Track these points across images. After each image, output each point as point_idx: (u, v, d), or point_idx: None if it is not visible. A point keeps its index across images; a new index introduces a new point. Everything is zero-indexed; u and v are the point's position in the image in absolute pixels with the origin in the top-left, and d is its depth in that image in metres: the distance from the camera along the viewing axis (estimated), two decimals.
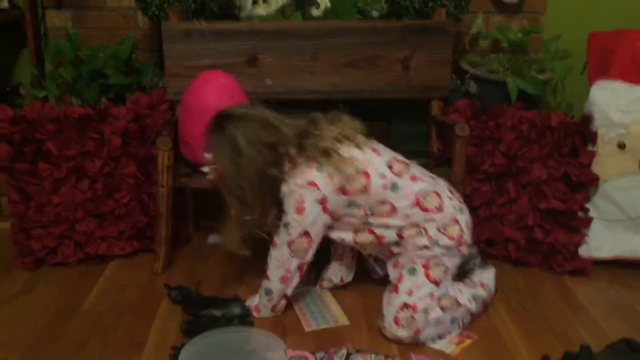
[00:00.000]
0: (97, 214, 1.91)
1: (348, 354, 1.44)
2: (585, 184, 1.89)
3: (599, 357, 1.45)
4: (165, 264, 1.90)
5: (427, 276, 1.53)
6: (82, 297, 1.75)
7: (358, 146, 1.56)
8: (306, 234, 1.54)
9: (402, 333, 1.51)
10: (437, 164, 2.04)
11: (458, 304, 1.56)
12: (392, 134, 2.13)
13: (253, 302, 1.65)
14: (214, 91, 1.79)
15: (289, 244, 1.55)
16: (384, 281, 1.70)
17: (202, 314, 1.62)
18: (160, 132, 1.84)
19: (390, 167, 1.57)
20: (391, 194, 1.53)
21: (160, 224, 1.86)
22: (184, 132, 1.84)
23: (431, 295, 1.52)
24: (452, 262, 1.57)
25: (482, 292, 1.65)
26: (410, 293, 1.52)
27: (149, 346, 1.53)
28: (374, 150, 1.59)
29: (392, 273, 1.59)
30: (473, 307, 1.60)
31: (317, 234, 1.56)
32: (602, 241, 1.92)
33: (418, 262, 1.54)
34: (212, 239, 2.12)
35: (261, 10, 2.14)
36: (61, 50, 2.10)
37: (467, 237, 1.58)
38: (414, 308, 1.50)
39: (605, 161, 1.89)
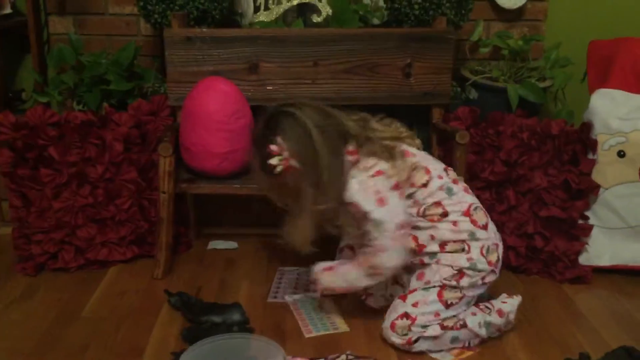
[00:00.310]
0: (98, 220, 1.92)
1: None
2: (585, 191, 1.89)
3: None
4: (166, 269, 1.90)
5: (439, 296, 1.50)
6: (83, 303, 1.75)
7: (415, 147, 1.59)
8: (403, 225, 1.48)
9: (395, 339, 1.50)
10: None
11: (465, 326, 1.51)
12: None
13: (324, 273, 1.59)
14: (215, 98, 1.80)
15: (394, 240, 1.47)
16: None
17: (202, 320, 1.62)
18: (161, 138, 1.84)
19: (446, 172, 1.57)
20: (446, 197, 1.53)
21: (160, 230, 1.86)
22: (185, 138, 1.85)
23: (436, 314, 1.49)
24: (473, 292, 1.54)
25: (497, 320, 1.56)
26: (415, 305, 1.50)
27: (148, 352, 1.53)
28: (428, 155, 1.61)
29: (412, 283, 1.57)
30: (483, 332, 1.54)
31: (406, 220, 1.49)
32: (602, 249, 1.92)
33: (439, 282, 1.51)
34: (213, 244, 2.12)
35: (263, 17, 2.15)
36: (63, 56, 2.11)
37: (499, 269, 1.57)
38: (413, 320, 1.49)
39: (605, 169, 1.89)
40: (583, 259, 1.93)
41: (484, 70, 2.23)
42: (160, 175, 1.81)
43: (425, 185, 1.53)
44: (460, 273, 1.51)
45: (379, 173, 1.48)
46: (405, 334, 1.49)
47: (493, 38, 2.25)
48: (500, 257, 1.57)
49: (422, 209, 1.52)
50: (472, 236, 1.52)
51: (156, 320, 1.66)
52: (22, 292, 1.81)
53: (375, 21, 2.11)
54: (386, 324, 1.53)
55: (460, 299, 1.51)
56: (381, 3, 2.11)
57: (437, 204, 1.52)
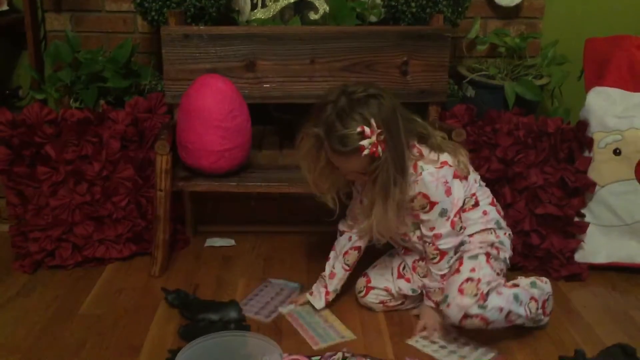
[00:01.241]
0: (95, 217, 1.92)
1: (344, 358, 1.45)
2: (581, 189, 1.90)
3: None
4: (163, 267, 1.90)
5: (488, 262, 1.55)
6: (80, 300, 1.75)
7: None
8: (459, 211, 1.57)
9: (467, 300, 1.46)
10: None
11: (517, 285, 1.57)
12: None
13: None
14: (211, 95, 1.80)
15: (452, 225, 1.55)
16: None
17: (199, 318, 1.62)
18: (158, 135, 1.84)
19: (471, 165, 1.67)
20: (478, 187, 1.64)
21: (158, 228, 1.87)
22: (182, 136, 1.85)
23: (491, 276, 1.52)
24: (504, 267, 1.63)
25: (540, 284, 1.62)
26: (472, 270, 1.52)
27: (145, 349, 1.53)
28: None
29: (454, 265, 1.59)
30: (535, 292, 1.57)
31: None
32: (598, 247, 1.93)
33: (482, 250, 1.57)
34: (210, 242, 2.13)
35: (260, 14, 2.15)
36: (60, 53, 2.11)
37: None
38: (478, 280, 1.49)
39: (601, 167, 1.90)
40: (579, 257, 1.94)
41: (480, 67, 2.24)
42: (157, 173, 1.81)
43: (466, 178, 1.60)
44: (494, 247, 1.60)
45: (444, 164, 1.54)
46: (476, 293, 1.47)
47: (490, 36, 2.26)
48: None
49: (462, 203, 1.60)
50: (498, 224, 1.64)
51: (153, 318, 1.67)
52: (19, 289, 1.81)
53: (373, 19, 2.11)
54: (451, 295, 1.49)
55: (502, 270, 1.59)
56: (378, 1, 2.11)
57: (473, 194, 1.62)
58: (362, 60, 1.97)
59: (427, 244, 1.57)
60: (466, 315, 1.46)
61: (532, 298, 1.56)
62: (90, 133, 1.89)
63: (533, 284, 1.59)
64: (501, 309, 1.48)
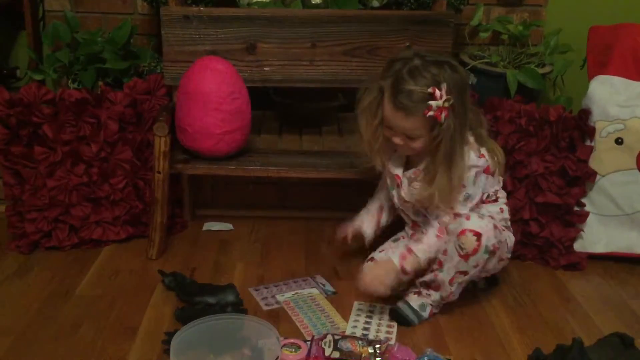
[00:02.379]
0: (92, 199, 1.91)
1: (335, 340, 1.45)
2: (582, 178, 1.89)
3: (591, 351, 1.45)
4: (160, 250, 1.89)
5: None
6: (76, 282, 1.74)
7: None
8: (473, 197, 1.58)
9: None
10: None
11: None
12: None
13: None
14: (211, 78, 1.78)
15: (471, 211, 1.56)
16: None
17: (196, 301, 1.62)
18: (157, 117, 1.83)
19: None
20: (500, 186, 1.67)
21: (155, 210, 1.85)
22: (181, 118, 1.84)
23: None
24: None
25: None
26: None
27: (141, 331, 1.53)
28: None
29: None
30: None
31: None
32: (597, 236, 1.92)
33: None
34: (208, 226, 2.12)
35: None
36: (59, 34, 2.08)
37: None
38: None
39: (602, 156, 1.89)
40: (578, 246, 1.93)
41: (483, 55, 2.21)
42: (155, 155, 1.80)
43: (493, 174, 1.62)
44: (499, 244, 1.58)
45: (482, 156, 1.56)
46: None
47: (493, 23, 2.23)
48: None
49: (484, 195, 1.62)
50: (506, 223, 1.67)
51: (150, 300, 1.66)
52: (16, 270, 1.80)
53: (375, 3, 2.08)
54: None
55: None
56: None
57: (495, 191, 1.66)
58: (364, 45, 1.95)
59: (444, 218, 1.55)
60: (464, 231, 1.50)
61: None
62: (88, 114, 1.87)
63: None
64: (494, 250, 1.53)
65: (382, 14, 1.99)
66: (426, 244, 1.55)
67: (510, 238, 1.66)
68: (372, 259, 1.71)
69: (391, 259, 1.56)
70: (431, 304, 1.61)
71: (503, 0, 2.29)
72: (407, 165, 1.64)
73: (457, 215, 1.54)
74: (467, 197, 1.55)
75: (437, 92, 1.41)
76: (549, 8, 2.30)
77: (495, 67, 2.13)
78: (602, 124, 1.88)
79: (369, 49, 1.96)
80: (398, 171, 1.63)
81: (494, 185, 1.65)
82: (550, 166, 1.88)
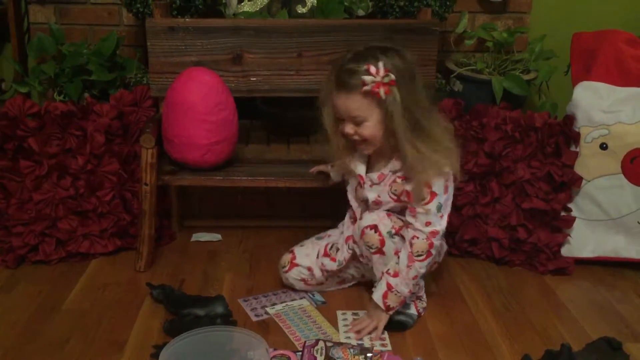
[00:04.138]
0: (79, 212, 1.90)
1: (327, 348, 1.44)
2: (568, 184, 1.91)
3: (580, 356, 1.46)
4: (148, 262, 1.88)
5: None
6: (64, 295, 1.73)
7: None
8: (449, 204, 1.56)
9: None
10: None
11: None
12: None
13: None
14: (198, 89, 1.78)
15: (444, 224, 1.54)
16: (370, 285, 1.71)
17: (184, 313, 1.61)
18: (143, 129, 1.82)
19: None
20: None
21: (143, 222, 1.85)
22: (168, 129, 1.83)
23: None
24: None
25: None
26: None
27: (130, 345, 1.52)
28: None
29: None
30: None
31: None
32: (584, 241, 1.94)
33: None
34: (196, 237, 2.11)
35: (247, 7, 2.13)
36: (44, 46, 2.08)
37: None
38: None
39: (587, 161, 1.90)
40: (565, 251, 1.94)
41: (468, 62, 2.24)
42: (142, 167, 1.79)
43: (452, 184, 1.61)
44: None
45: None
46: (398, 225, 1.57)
47: (478, 30, 2.26)
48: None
49: None
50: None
51: (138, 313, 1.65)
52: (2, 285, 1.78)
53: (360, 12, 2.10)
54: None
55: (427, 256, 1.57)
56: None
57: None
58: None
59: (420, 239, 1.53)
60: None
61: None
62: (74, 126, 1.87)
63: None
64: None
65: (368, 23, 2.00)
66: (402, 276, 1.55)
67: (444, 245, 1.70)
68: (292, 251, 1.76)
69: (378, 312, 1.57)
70: (414, 300, 1.64)
71: (487, 7, 2.31)
72: (370, 168, 1.63)
73: (434, 233, 1.52)
74: (439, 207, 1.52)
75: (373, 68, 1.43)
76: (533, 15, 2.33)
77: (480, 74, 2.15)
78: (587, 129, 1.90)
79: None
80: (361, 171, 1.62)
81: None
82: (537, 172, 1.90)
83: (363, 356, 1.43)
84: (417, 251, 1.53)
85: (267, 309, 1.68)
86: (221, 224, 2.18)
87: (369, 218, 1.57)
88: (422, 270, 1.56)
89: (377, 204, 1.61)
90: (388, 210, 1.60)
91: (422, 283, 1.68)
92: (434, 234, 1.53)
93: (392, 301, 1.55)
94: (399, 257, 1.56)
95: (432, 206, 1.51)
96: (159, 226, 1.99)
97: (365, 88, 1.44)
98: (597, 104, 1.90)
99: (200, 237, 2.10)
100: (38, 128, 1.84)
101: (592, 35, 2.00)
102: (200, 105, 1.78)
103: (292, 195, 2.20)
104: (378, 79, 1.43)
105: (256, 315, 1.65)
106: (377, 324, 1.57)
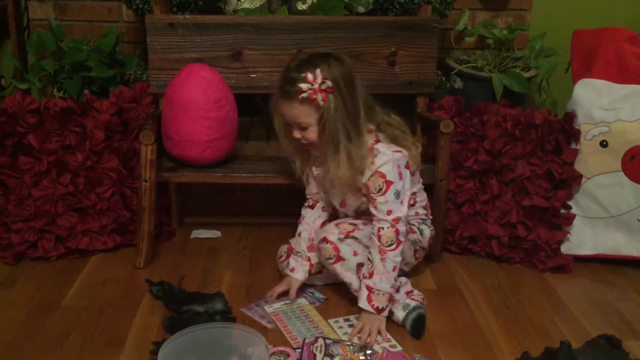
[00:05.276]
0: (78, 208, 1.89)
1: (326, 345, 1.44)
2: (568, 181, 1.90)
3: (579, 353, 1.46)
4: (148, 259, 1.88)
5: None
6: (63, 292, 1.73)
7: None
8: (409, 196, 1.62)
9: (333, 234, 1.62)
10: (422, 160, 2.04)
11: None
12: None
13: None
14: (197, 85, 1.78)
15: (404, 211, 1.57)
16: None
17: (184, 310, 1.61)
18: (143, 125, 1.82)
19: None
20: (420, 189, 1.74)
21: (142, 219, 1.84)
22: (168, 126, 1.83)
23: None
24: (408, 250, 1.70)
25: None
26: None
27: (129, 341, 1.52)
28: None
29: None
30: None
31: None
32: (584, 239, 1.94)
33: None
34: (196, 233, 2.11)
35: (247, 4, 2.13)
36: (43, 42, 2.07)
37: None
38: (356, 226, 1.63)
39: (588, 159, 1.90)
40: (565, 248, 1.94)
41: (468, 59, 2.23)
42: (142, 164, 1.79)
43: (413, 174, 1.67)
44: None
45: (399, 151, 1.58)
46: (347, 230, 1.63)
47: (478, 27, 2.25)
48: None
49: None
50: (424, 222, 1.76)
51: (138, 310, 1.65)
52: (1, 281, 1.78)
53: (361, 9, 2.09)
54: (331, 226, 1.65)
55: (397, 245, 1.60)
56: None
57: (413, 193, 1.70)
58: (350, 51, 1.95)
59: (385, 229, 1.54)
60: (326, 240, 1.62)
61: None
62: (73, 123, 1.87)
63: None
64: (355, 254, 1.61)
65: (368, 19, 2.00)
66: (378, 272, 1.55)
67: (425, 232, 1.75)
68: (290, 242, 1.80)
69: (371, 317, 1.56)
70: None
71: (488, 5, 2.31)
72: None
73: (397, 220, 1.54)
74: (397, 194, 1.55)
75: (310, 75, 1.48)
76: (534, 12, 2.33)
77: (481, 71, 2.15)
78: (587, 126, 1.90)
79: (355, 54, 1.96)
80: (317, 172, 1.68)
81: (413, 187, 1.68)
82: (537, 169, 1.90)
83: (362, 353, 1.43)
84: (387, 241, 1.54)
85: (266, 308, 1.67)
86: (221, 220, 2.18)
87: (321, 233, 1.65)
88: (398, 259, 1.56)
89: (344, 205, 1.68)
90: (357, 211, 1.67)
91: (403, 281, 1.67)
92: (396, 220, 1.55)
93: (379, 302, 1.55)
94: (369, 259, 1.57)
95: (390, 194, 1.54)
96: (158, 223, 1.99)
97: (303, 95, 1.49)
98: (597, 101, 1.89)
99: (200, 234, 2.10)
100: (37, 124, 1.84)
101: (592, 33, 2.00)
102: (200, 102, 1.77)
103: (292, 192, 2.19)
104: (315, 86, 1.48)
105: (268, 322, 1.61)
106: (377, 327, 1.55)
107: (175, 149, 1.84)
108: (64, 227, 1.88)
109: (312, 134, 1.55)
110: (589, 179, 1.91)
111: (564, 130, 1.90)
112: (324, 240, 1.62)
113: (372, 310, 1.55)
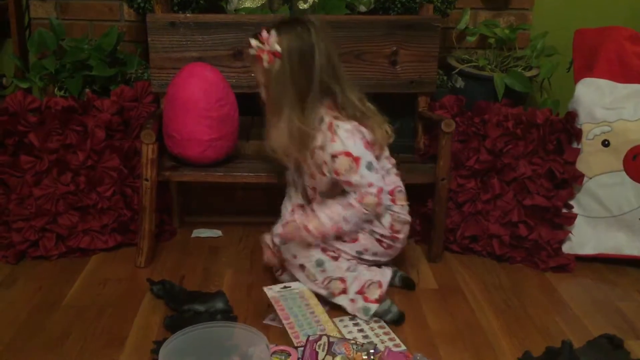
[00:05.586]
0: (79, 207, 1.89)
1: (329, 343, 1.44)
2: (569, 181, 1.90)
3: (580, 353, 1.46)
4: (149, 258, 1.88)
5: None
6: (64, 291, 1.73)
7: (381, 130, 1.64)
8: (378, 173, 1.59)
9: (279, 229, 1.64)
10: (423, 160, 2.04)
11: (336, 259, 1.61)
12: None
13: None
14: (198, 84, 1.78)
15: (379, 191, 1.56)
16: None
17: (185, 309, 1.61)
18: (144, 125, 1.82)
19: (388, 158, 1.69)
20: (386, 174, 1.65)
21: (143, 218, 1.84)
22: (169, 125, 1.83)
23: (324, 234, 1.59)
24: (368, 242, 1.63)
25: (364, 272, 1.64)
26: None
27: (130, 340, 1.51)
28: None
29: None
30: (346, 275, 1.61)
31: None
32: (585, 238, 1.93)
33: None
34: (197, 233, 2.11)
35: (248, 3, 2.12)
36: (44, 41, 2.07)
37: (399, 243, 1.68)
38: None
39: (589, 158, 1.90)
40: (566, 248, 1.94)
41: (470, 59, 2.23)
42: (143, 163, 1.79)
43: (377, 158, 1.62)
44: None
45: (358, 127, 1.57)
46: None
47: (480, 27, 2.25)
48: (403, 233, 1.68)
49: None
50: (389, 208, 1.64)
51: (138, 309, 1.65)
52: (2, 280, 1.78)
53: (362, 8, 2.09)
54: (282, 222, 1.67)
55: (354, 241, 1.62)
56: None
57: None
58: (351, 50, 1.95)
59: (369, 196, 1.55)
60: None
61: (340, 279, 1.61)
62: (74, 122, 1.86)
63: (354, 269, 1.62)
64: (295, 257, 1.62)
65: (369, 19, 2.00)
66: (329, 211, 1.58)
67: (384, 218, 1.64)
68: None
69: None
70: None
71: (489, 4, 2.31)
72: None
73: (380, 190, 1.55)
74: (369, 165, 1.54)
75: (265, 34, 1.50)
76: (535, 11, 2.32)
77: (482, 70, 2.14)
78: (589, 126, 1.89)
79: (357, 54, 1.96)
80: None
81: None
82: (538, 169, 1.89)
83: (365, 352, 1.43)
84: (367, 203, 1.55)
85: (265, 290, 1.65)
86: (222, 220, 2.18)
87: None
88: (354, 219, 1.57)
89: (314, 189, 1.66)
90: (329, 196, 1.63)
91: (360, 272, 1.63)
92: (380, 191, 1.55)
93: (312, 225, 1.57)
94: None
95: (363, 169, 1.53)
96: (159, 222, 1.99)
97: (251, 51, 1.52)
98: (599, 100, 1.89)
99: (201, 233, 2.10)
100: (39, 123, 1.84)
101: (594, 32, 1.99)
102: (201, 101, 1.77)
103: None
104: (266, 47, 1.50)
105: (272, 320, 1.61)
106: (297, 235, 1.59)
107: (176, 148, 1.84)
108: (64, 226, 1.88)
109: (263, 92, 1.59)
110: (590, 178, 1.91)
111: (566, 130, 1.89)
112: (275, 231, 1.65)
113: (300, 225, 1.58)
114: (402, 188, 1.69)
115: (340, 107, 1.57)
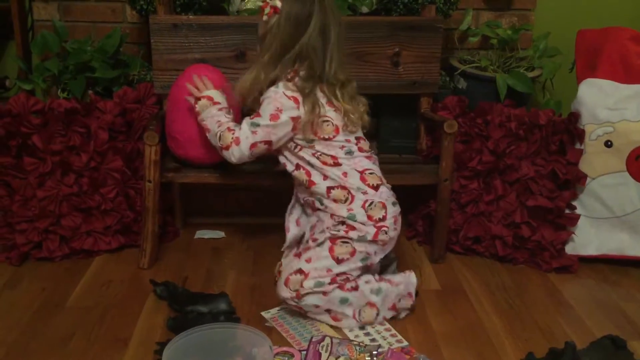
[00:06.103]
0: (82, 209, 1.90)
1: (332, 344, 1.44)
2: (572, 181, 1.90)
3: (584, 354, 1.45)
4: (152, 259, 1.88)
5: (331, 251, 1.55)
6: (67, 293, 1.73)
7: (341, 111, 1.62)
8: (268, 142, 1.60)
9: (285, 294, 1.56)
10: (425, 161, 2.04)
11: (356, 289, 1.57)
12: (381, 129, 2.12)
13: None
14: None
15: (251, 147, 1.60)
16: None
17: (188, 310, 1.61)
18: (147, 126, 1.82)
19: (357, 141, 1.64)
20: (344, 157, 1.60)
21: (146, 219, 1.85)
22: (172, 126, 1.83)
23: (328, 269, 1.54)
24: (364, 247, 1.57)
25: (391, 289, 1.60)
26: (308, 261, 1.56)
27: (133, 342, 1.52)
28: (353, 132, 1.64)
29: (305, 242, 1.64)
30: (375, 299, 1.58)
31: (277, 146, 1.61)
32: (588, 239, 1.93)
33: (328, 236, 1.57)
34: (200, 234, 2.11)
35: (250, 4, 2.13)
36: (47, 43, 2.08)
37: (391, 230, 1.59)
38: (306, 275, 1.54)
39: (592, 159, 1.90)
40: (569, 249, 1.94)
41: (472, 59, 2.23)
42: (146, 164, 1.79)
43: (327, 139, 1.59)
44: (346, 225, 1.56)
45: (295, 100, 1.56)
46: (296, 289, 1.55)
47: (482, 27, 2.25)
48: (389, 217, 1.58)
49: (318, 153, 1.60)
50: (359, 189, 1.58)
51: (142, 310, 1.65)
52: (6, 281, 1.79)
53: (364, 9, 2.09)
54: (281, 281, 1.58)
55: (352, 254, 1.56)
56: None
57: (333, 157, 1.59)
58: (353, 51, 1.95)
59: (237, 131, 1.61)
60: (284, 300, 1.58)
61: (368, 304, 1.58)
62: (77, 123, 1.87)
63: (378, 291, 1.58)
64: (317, 307, 1.56)
65: (371, 20, 2.00)
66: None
67: (357, 216, 1.56)
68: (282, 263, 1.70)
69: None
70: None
71: (492, 4, 2.30)
72: None
73: (236, 142, 1.60)
74: (255, 125, 1.58)
75: None
76: (538, 12, 2.32)
77: (484, 71, 2.14)
78: (592, 127, 1.89)
79: (359, 55, 1.96)
80: None
81: (330, 149, 1.59)
82: (541, 170, 1.89)
83: (368, 354, 1.43)
84: (224, 140, 1.63)
85: (263, 314, 1.64)
86: (224, 221, 2.18)
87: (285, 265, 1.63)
88: (214, 139, 1.65)
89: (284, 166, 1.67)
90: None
91: (345, 309, 1.58)
92: (237, 140, 1.60)
93: (200, 106, 1.68)
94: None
95: (267, 119, 1.57)
96: (162, 223, 1.99)
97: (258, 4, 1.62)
98: (601, 101, 1.89)
99: (204, 235, 2.11)
100: (42, 125, 1.85)
101: (596, 33, 1.99)
102: None
103: None
104: (271, 0, 1.57)
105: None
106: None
107: (179, 149, 1.84)
108: (68, 228, 1.88)
109: (259, 44, 1.66)
110: (593, 179, 1.91)
111: (568, 131, 1.89)
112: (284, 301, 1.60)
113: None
114: (374, 171, 1.62)
115: (305, 77, 1.58)
